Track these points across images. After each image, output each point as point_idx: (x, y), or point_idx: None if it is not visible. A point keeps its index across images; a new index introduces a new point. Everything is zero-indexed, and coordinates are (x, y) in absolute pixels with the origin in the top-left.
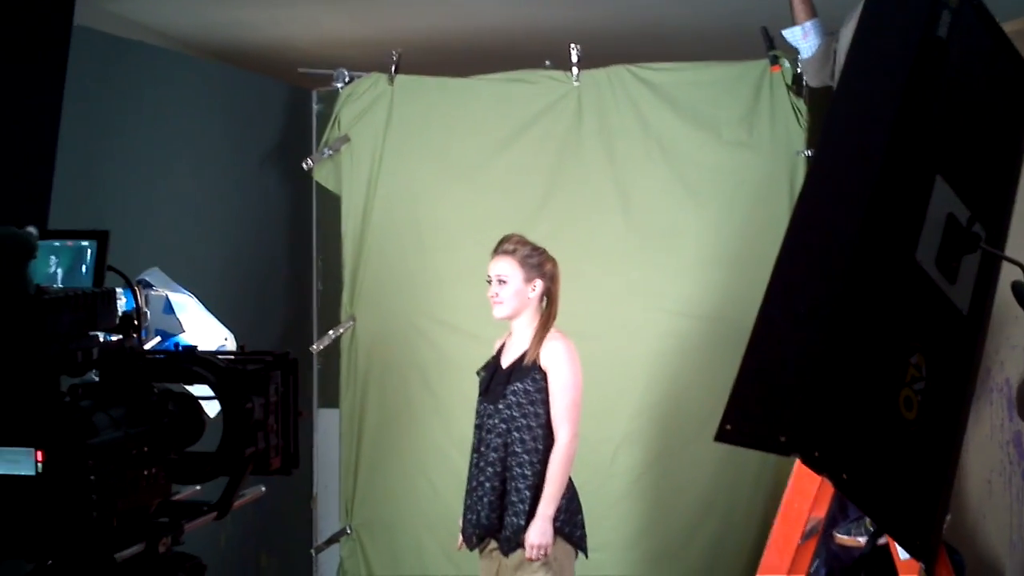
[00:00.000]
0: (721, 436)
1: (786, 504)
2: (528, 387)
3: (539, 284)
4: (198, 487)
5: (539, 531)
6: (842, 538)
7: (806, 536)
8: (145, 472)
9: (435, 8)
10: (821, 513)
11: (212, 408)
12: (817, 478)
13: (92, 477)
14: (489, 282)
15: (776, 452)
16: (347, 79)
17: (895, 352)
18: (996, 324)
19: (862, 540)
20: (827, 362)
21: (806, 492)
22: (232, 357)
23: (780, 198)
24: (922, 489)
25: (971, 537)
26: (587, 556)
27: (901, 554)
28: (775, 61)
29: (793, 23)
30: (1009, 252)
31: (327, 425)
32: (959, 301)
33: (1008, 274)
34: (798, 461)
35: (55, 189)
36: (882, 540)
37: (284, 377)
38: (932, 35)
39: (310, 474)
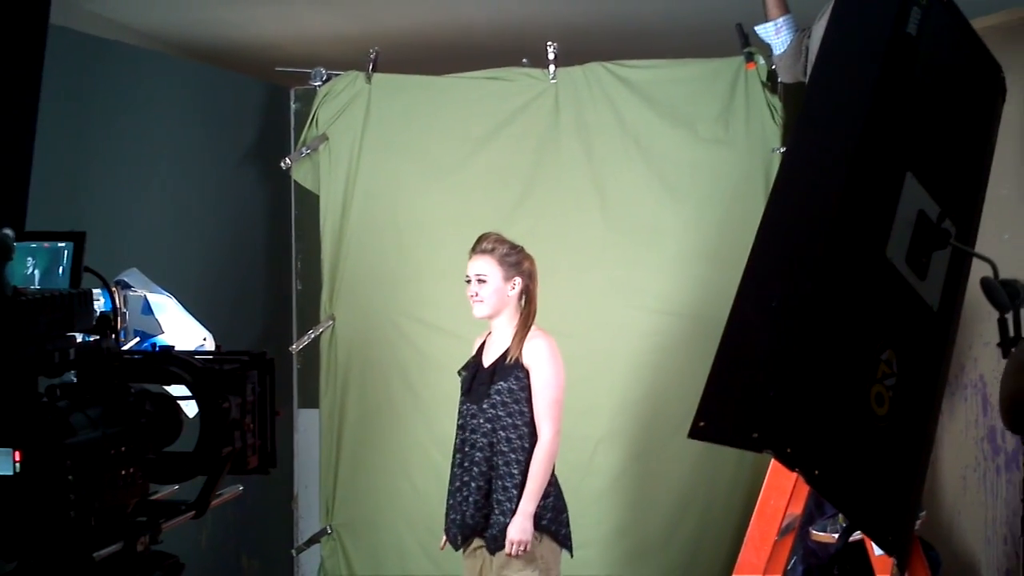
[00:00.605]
0: (695, 433)
1: (763, 501)
2: (512, 386)
3: (518, 282)
4: (176, 487)
5: (519, 527)
6: (818, 535)
7: (783, 533)
8: (123, 472)
9: (412, 5)
10: (797, 510)
11: (191, 408)
12: (793, 475)
13: (70, 477)
14: (468, 281)
15: (749, 448)
16: (325, 77)
17: (866, 348)
18: (969, 320)
19: (838, 537)
20: (798, 358)
21: (782, 489)
22: (209, 357)
23: (756, 195)
24: (894, 485)
25: (947, 533)
26: (572, 554)
27: (875, 550)
28: (750, 58)
29: (765, 19)
30: (978, 248)
31: (307, 425)
32: (929, 297)
33: (979, 270)
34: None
35: (32, 190)
36: (857, 536)
37: (261, 377)
38: (902, 32)
39: (290, 474)
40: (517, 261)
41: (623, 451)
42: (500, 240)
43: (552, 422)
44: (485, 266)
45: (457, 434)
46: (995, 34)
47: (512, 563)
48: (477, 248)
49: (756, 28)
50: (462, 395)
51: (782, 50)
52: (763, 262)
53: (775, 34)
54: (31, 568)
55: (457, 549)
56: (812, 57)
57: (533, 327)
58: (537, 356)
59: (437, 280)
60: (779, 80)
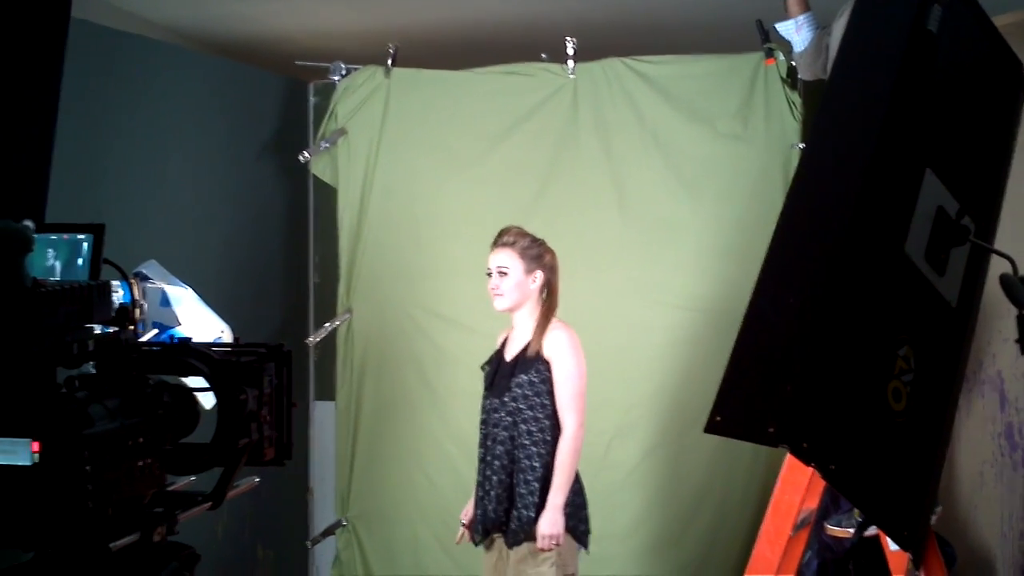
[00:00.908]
0: (711, 427)
1: (777, 495)
2: (533, 378)
3: (540, 275)
4: (192, 478)
5: (550, 521)
6: (833, 529)
7: (798, 527)
8: (140, 463)
9: (431, 0)
10: (813, 504)
11: (208, 400)
12: (808, 469)
13: (88, 467)
14: (489, 275)
15: (765, 443)
16: (344, 72)
17: (883, 344)
18: (987, 317)
19: (853, 531)
20: (816, 353)
21: (797, 483)
22: (227, 349)
23: (775, 191)
24: (910, 480)
25: (963, 529)
26: (587, 551)
27: (891, 545)
28: (770, 54)
29: (786, 17)
30: (998, 245)
31: (323, 418)
32: (948, 293)
33: (997, 267)
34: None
35: (52, 183)
36: (872, 531)
37: (278, 369)
38: (922, 29)
39: (306, 467)
40: (539, 254)
41: (638, 445)
42: (522, 233)
43: (576, 414)
44: (507, 259)
45: (480, 429)
46: (1016, 31)
47: (529, 558)
48: (499, 241)
49: (776, 25)
50: (485, 390)
51: (803, 47)
52: (781, 258)
53: (796, 31)
54: (49, 558)
55: (478, 544)
56: (832, 54)
57: (554, 319)
58: (558, 348)
59: (454, 274)
60: (799, 77)
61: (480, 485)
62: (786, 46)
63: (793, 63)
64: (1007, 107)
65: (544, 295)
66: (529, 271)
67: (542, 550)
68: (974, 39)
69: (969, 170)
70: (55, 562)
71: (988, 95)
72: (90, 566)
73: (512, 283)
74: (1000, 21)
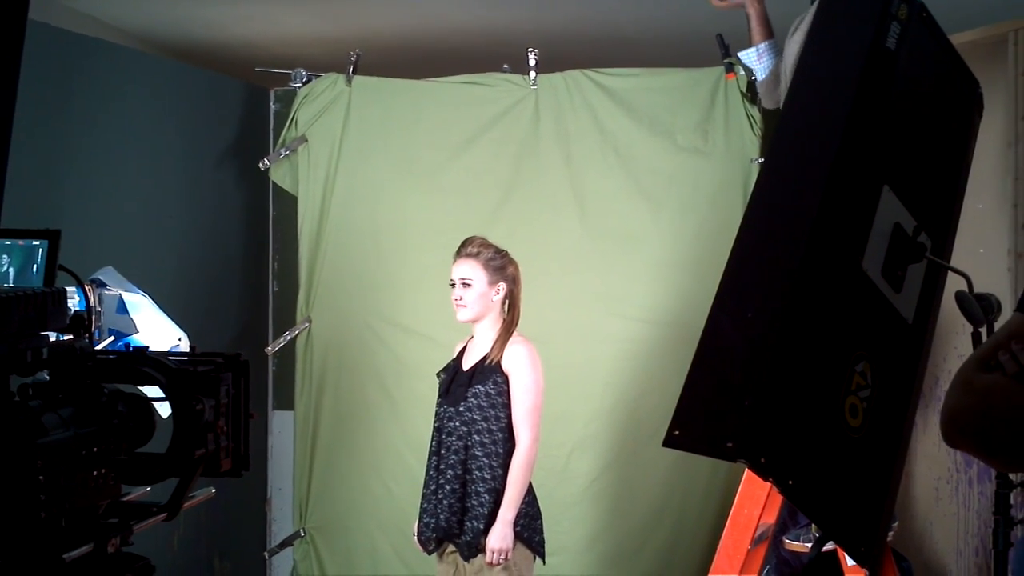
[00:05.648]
0: (669, 441)
1: (736, 510)
2: (489, 390)
3: (503, 287)
4: (147, 488)
5: (500, 535)
6: (791, 544)
7: (756, 542)
8: (94, 472)
9: (395, 9)
10: (771, 519)
11: (165, 409)
12: (766, 484)
13: (41, 477)
14: (452, 285)
15: (723, 458)
16: (305, 79)
17: (841, 359)
18: (943, 333)
19: (811, 546)
20: (773, 368)
21: (756, 498)
22: (183, 358)
23: (734, 205)
24: (867, 496)
25: (918, 544)
26: (544, 562)
27: (848, 560)
28: (730, 69)
29: (750, 44)
30: (954, 262)
31: (282, 427)
32: (904, 310)
33: (954, 284)
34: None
35: (7, 187)
36: (829, 546)
37: (235, 379)
38: (881, 46)
39: (264, 477)
40: (502, 265)
41: (598, 458)
42: (485, 244)
43: (530, 429)
44: (470, 270)
45: (433, 436)
46: (974, 50)
47: (486, 570)
48: (462, 252)
49: (739, 54)
50: (439, 397)
51: (764, 76)
52: (740, 272)
53: (757, 59)
54: (0, 569)
55: (430, 553)
56: (784, 77)
57: (515, 333)
58: (517, 362)
59: (414, 284)
60: (761, 104)
61: (433, 493)
62: None
63: (753, 79)
64: (963, 125)
65: (506, 307)
66: (492, 283)
67: (490, 564)
68: (932, 57)
69: (926, 188)
70: (6, 573)
71: (945, 113)
72: None
73: (475, 294)
74: (957, 40)
